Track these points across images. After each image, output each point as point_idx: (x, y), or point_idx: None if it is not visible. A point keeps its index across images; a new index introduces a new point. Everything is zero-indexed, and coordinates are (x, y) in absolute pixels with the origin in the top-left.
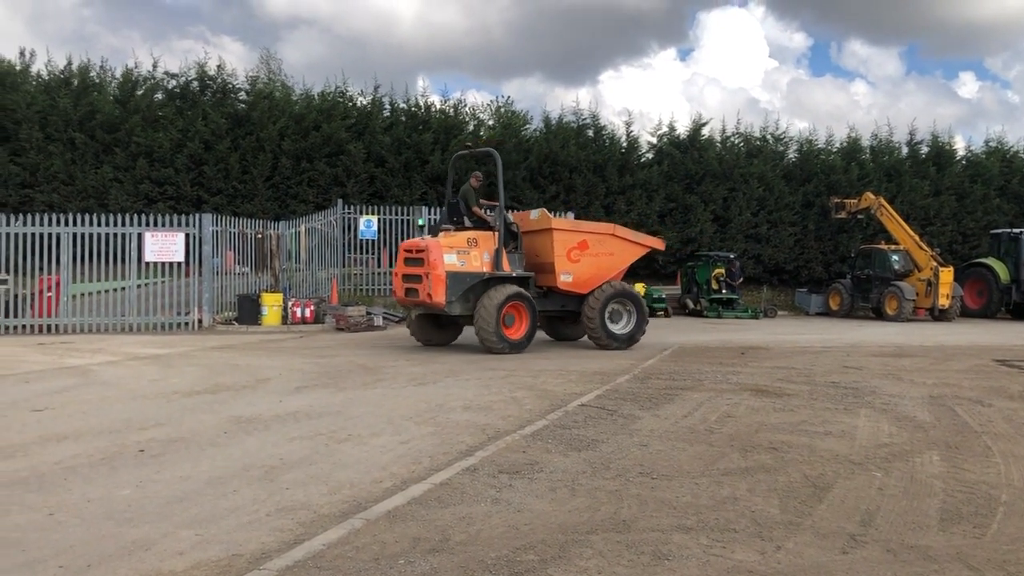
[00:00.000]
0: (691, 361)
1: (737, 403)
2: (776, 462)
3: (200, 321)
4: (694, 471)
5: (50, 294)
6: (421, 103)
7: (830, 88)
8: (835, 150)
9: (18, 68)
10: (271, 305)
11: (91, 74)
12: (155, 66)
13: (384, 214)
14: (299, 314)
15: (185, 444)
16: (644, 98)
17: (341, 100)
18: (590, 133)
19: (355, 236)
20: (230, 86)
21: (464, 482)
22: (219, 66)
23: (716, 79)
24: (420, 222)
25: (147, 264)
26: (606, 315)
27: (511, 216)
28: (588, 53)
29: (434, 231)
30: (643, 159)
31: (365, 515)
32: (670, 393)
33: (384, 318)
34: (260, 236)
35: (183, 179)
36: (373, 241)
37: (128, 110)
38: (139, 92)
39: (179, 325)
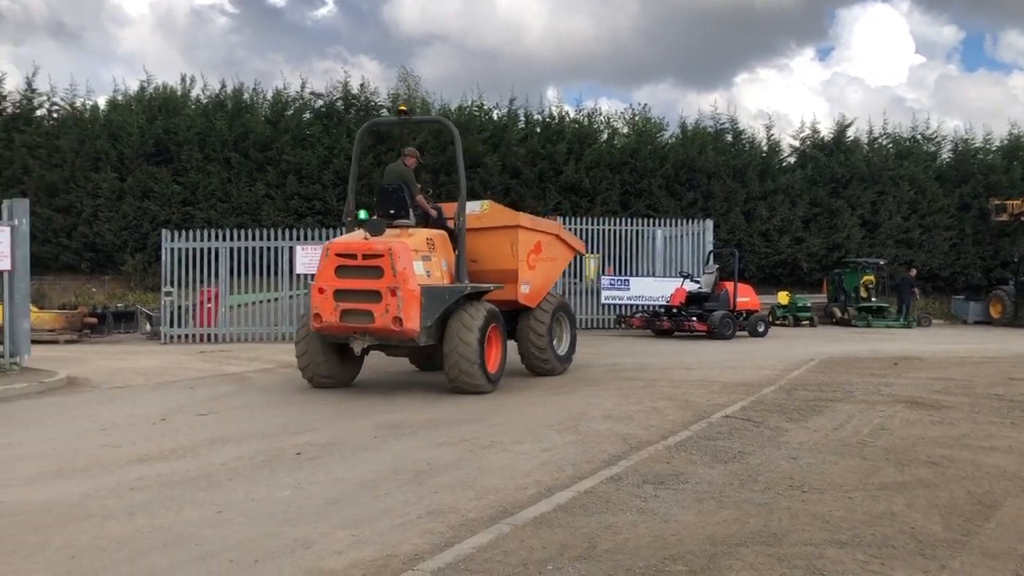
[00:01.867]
0: (840, 372)
1: (891, 415)
2: (936, 477)
3: None
4: (847, 485)
5: (210, 305)
6: (555, 113)
7: (984, 83)
8: (994, 149)
9: (179, 94)
10: None
11: (244, 96)
12: (303, 87)
13: None
14: None
15: (338, 448)
16: (782, 100)
17: (478, 114)
18: (728, 138)
19: None
20: (372, 104)
21: (608, 491)
22: (362, 85)
23: (858, 78)
24: (362, 214)
25: (298, 276)
26: (555, 328)
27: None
28: (721, 56)
29: (373, 228)
30: (784, 163)
31: (512, 520)
32: (819, 405)
33: None
34: None
35: (330, 194)
36: None
37: (278, 130)
38: (288, 112)
39: None
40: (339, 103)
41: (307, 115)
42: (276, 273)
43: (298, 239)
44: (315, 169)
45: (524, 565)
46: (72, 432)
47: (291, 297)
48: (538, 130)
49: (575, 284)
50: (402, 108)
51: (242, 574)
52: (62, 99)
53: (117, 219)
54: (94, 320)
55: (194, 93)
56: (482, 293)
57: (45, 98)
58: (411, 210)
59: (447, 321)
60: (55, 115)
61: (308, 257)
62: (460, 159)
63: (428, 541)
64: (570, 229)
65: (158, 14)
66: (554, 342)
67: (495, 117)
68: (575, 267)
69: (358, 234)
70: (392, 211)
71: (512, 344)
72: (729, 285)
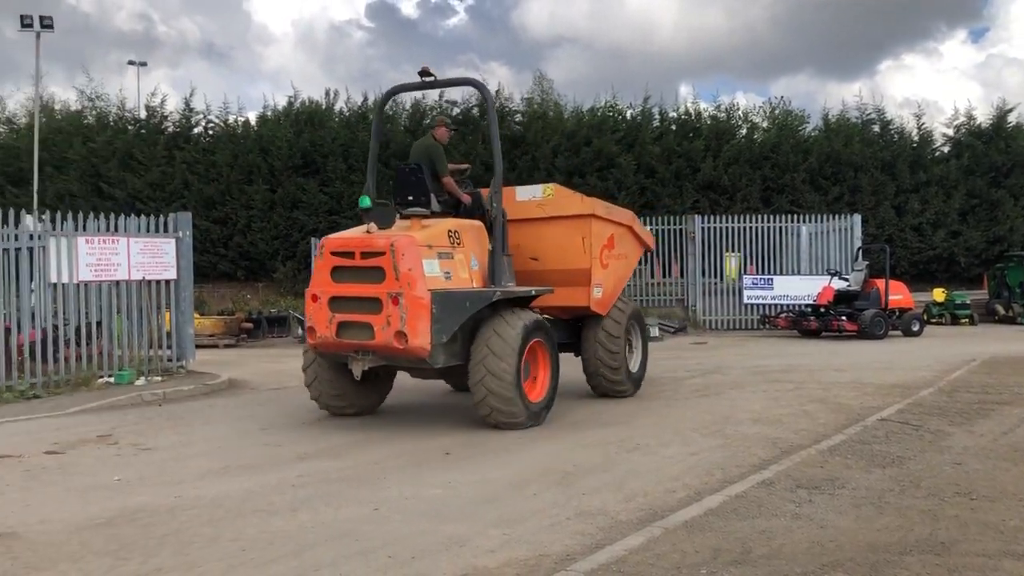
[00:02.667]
0: (1007, 373)
1: None
2: None
3: None
4: (1021, 493)
5: None
6: (691, 110)
7: None
8: None
9: (323, 107)
10: None
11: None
12: (441, 96)
13: (656, 224)
14: None
15: (484, 448)
16: (930, 86)
17: (611, 114)
18: (875, 128)
19: None
20: (506, 109)
21: (760, 495)
22: (497, 91)
23: (1017, 59)
24: (364, 203)
25: None
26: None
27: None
28: (864, 43)
29: (384, 218)
30: (937, 153)
31: (663, 524)
32: (984, 408)
33: (660, 328)
34: None
35: None
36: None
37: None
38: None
39: None
40: (475, 110)
41: None
42: None
43: None
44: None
45: (677, 569)
46: (236, 431)
47: None
48: (673, 128)
49: (715, 284)
50: (425, 68)
51: (401, 570)
52: (216, 117)
53: (269, 229)
54: (250, 325)
55: (337, 106)
56: (525, 299)
57: (201, 116)
58: (433, 196)
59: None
60: (211, 132)
61: None
62: (495, 128)
63: (579, 542)
64: (710, 228)
65: (300, 31)
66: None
67: (628, 116)
68: (714, 265)
69: (362, 228)
70: (411, 197)
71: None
72: (880, 282)
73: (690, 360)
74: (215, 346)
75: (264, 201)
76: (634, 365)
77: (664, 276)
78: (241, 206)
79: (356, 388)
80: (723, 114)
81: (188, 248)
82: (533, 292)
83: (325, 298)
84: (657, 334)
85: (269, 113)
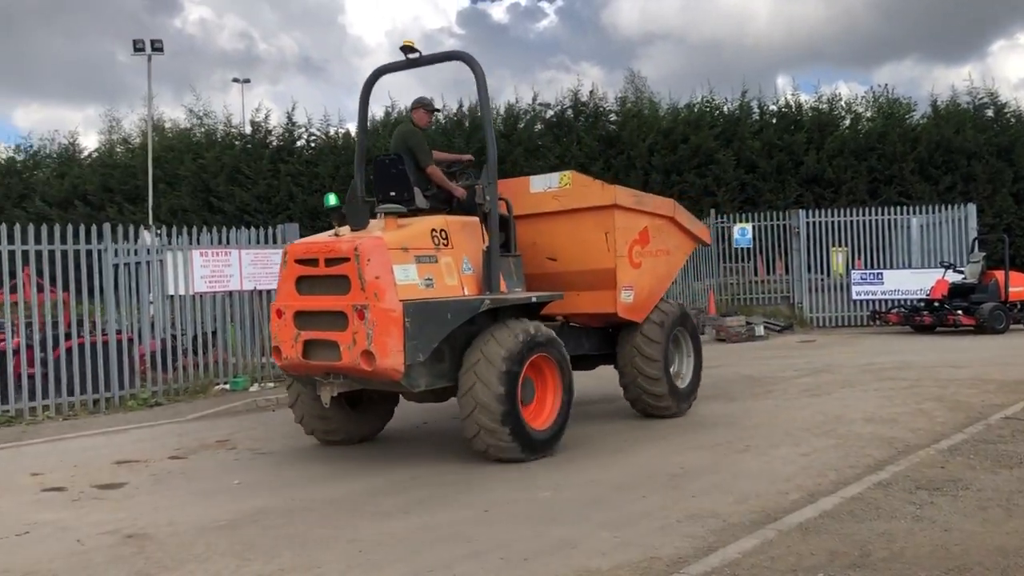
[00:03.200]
0: None
1: None
2: None
3: None
4: None
5: None
6: (791, 102)
7: None
8: None
9: None
10: None
11: (479, 114)
12: (534, 99)
13: (757, 220)
14: None
15: (590, 451)
16: None
17: (708, 109)
18: (989, 113)
19: (729, 246)
20: (601, 109)
21: (878, 497)
22: (591, 92)
23: None
24: (331, 200)
25: None
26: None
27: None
28: (973, 23)
29: (356, 216)
30: None
31: (776, 526)
32: None
33: (765, 327)
34: None
35: None
36: (748, 249)
37: (511, 143)
38: (520, 125)
39: None
40: (569, 112)
41: (538, 127)
42: None
43: None
44: None
45: (793, 571)
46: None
47: None
48: (773, 121)
49: (821, 280)
50: (408, 44)
51: (513, 571)
52: (317, 129)
53: None
54: None
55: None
56: (528, 307)
57: (303, 130)
58: (418, 190)
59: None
60: (312, 144)
61: None
62: (486, 112)
63: (690, 545)
64: (815, 222)
65: (394, 42)
66: (671, 370)
67: (726, 111)
68: (820, 261)
69: (332, 231)
70: (393, 192)
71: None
72: (999, 274)
73: (798, 359)
74: None
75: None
76: (682, 378)
77: (768, 274)
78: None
79: (347, 414)
80: (825, 105)
81: None
82: (534, 299)
83: (290, 313)
84: (763, 333)
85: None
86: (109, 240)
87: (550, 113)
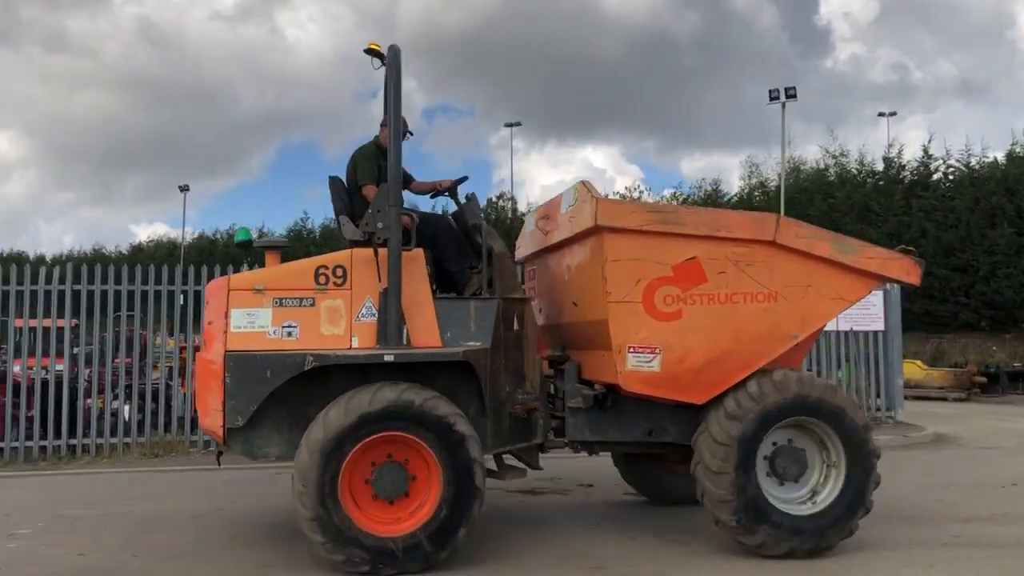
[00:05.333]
0: None
1: None
2: None
3: None
4: None
5: None
6: None
7: None
8: None
9: None
10: None
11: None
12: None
13: None
14: None
15: None
16: None
17: None
18: None
19: None
20: None
21: None
22: None
23: None
24: (240, 236)
25: None
26: (758, 461)
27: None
28: None
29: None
30: None
31: None
32: None
33: None
34: None
35: None
36: None
37: None
38: None
39: None
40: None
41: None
42: None
43: None
44: None
45: None
46: (914, 486)
47: None
48: None
49: None
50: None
51: None
52: (956, 160)
53: (1016, 275)
54: (983, 379)
55: None
56: (411, 365)
57: (940, 162)
58: (344, 218)
59: None
60: (950, 177)
61: None
62: (393, 108)
63: None
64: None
65: None
66: (771, 483)
67: None
68: None
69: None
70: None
71: None
72: None
73: None
74: (943, 399)
75: (1010, 246)
76: (810, 500)
77: None
78: (983, 252)
79: None
80: None
81: (896, 301)
82: (388, 357)
83: (199, 365)
84: None
85: (1018, 149)
86: None
87: None
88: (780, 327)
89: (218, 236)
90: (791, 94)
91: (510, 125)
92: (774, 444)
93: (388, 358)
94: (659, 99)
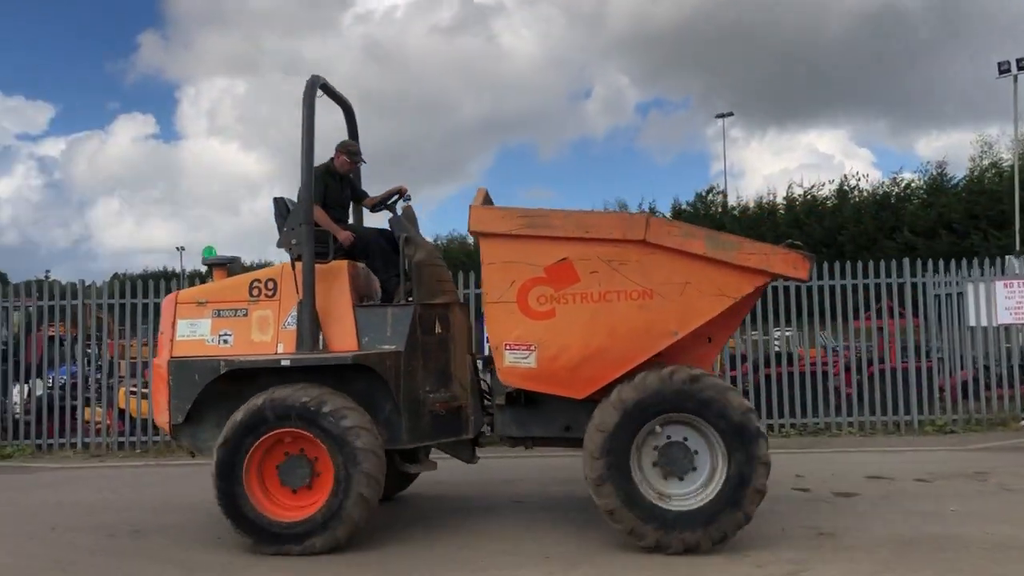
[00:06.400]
0: None
1: None
2: None
3: None
4: None
5: None
6: None
7: None
8: None
9: None
10: None
11: None
12: None
13: None
14: None
15: None
16: None
17: None
18: None
19: None
20: None
21: None
22: None
23: None
24: (205, 254)
25: None
26: (634, 453)
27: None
28: None
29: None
30: None
31: None
32: None
33: None
34: None
35: None
36: None
37: None
38: None
39: None
40: None
41: None
42: None
43: None
44: None
45: None
46: None
47: None
48: None
49: None
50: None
51: None
52: None
53: None
54: None
55: None
56: (317, 368)
57: None
58: (286, 237)
59: None
60: None
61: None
62: (306, 133)
63: None
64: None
65: None
66: (653, 477)
67: None
68: None
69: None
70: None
71: None
72: None
73: None
74: None
75: None
76: (689, 494)
77: None
78: None
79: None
80: None
81: None
82: (285, 363)
83: None
84: None
85: None
86: (930, 274)
87: None
88: (657, 324)
89: (440, 242)
90: (1023, 66)
91: (721, 116)
92: (668, 438)
93: (285, 363)
94: (889, 77)
